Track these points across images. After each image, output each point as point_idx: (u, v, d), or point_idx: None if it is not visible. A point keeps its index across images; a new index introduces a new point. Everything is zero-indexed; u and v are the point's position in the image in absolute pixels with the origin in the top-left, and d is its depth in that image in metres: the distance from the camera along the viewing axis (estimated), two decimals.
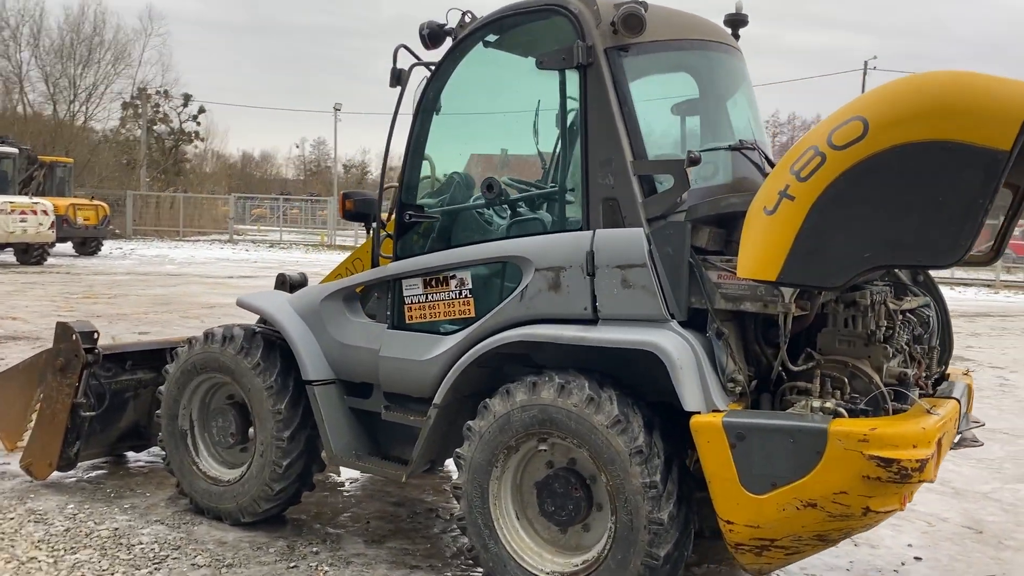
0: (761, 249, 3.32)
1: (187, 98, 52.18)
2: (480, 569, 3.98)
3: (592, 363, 3.76)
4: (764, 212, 3.32)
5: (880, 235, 3.11)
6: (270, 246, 34.63)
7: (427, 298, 4.21)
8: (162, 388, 5.05)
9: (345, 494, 5.50)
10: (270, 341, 4.75)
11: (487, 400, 3.85)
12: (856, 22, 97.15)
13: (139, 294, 16.04)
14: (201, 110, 53.07)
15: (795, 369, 3.53)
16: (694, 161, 3.47)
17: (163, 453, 5.04)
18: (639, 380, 3.71)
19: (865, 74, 39.45)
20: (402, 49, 4.26)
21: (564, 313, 3.75)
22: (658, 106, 4.00)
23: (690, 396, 3.39)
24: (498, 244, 4.02)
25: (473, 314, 4.07)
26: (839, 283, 3.22)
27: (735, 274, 3.51)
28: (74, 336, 5.16)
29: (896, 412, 3.43)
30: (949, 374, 4.17)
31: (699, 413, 3.38)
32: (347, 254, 5.57)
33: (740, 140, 4.05)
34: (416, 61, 4.26)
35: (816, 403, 3.35)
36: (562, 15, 3.78)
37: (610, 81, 3.69)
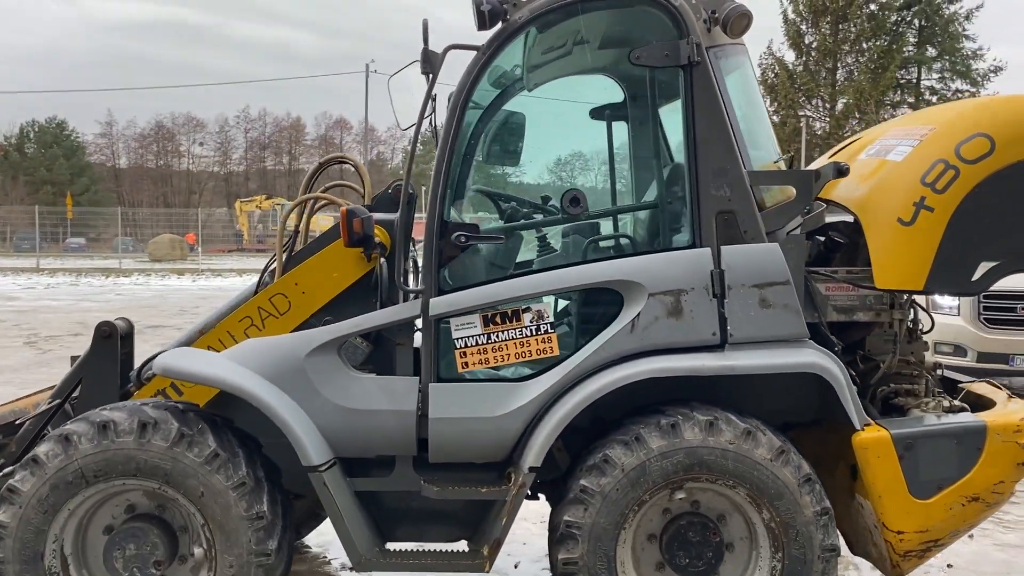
0: (904, 259, 3.39)
1: None
2: None
3: (677, 391, 3.44)
4: (900, 223, 3.39)
5: (1010, 243, 3.40)
6: None
7: (489, 339, 3.38)
8: (1, 519, 3.24)
9: None
10: (211, 420, 3.37)
11: (607, 452, 3.27)
12: (301, 19, 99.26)
13: None
14: None
15: (890, 373, 3.66)
16: (843, 172, 3.38)
17: None
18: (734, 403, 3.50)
19: (367, 76, 41.29)
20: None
21: (687, 341, 3.35)
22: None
23: (855, 414, 3.32)
24: (595, 267, 3.41)
25: (556, 352, 3.40)
26: (979, 290, 3.45)
27: (849, 285, 3.55)
28: None
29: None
30: None
31: (860, 430, 3.33)
32: None
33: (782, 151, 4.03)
34: (452, 44, 3.35)
35: (946, 403, 3.53)
36: (660, 5, 3.34)
37: (716, 82, 3.39)
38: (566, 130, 4.26)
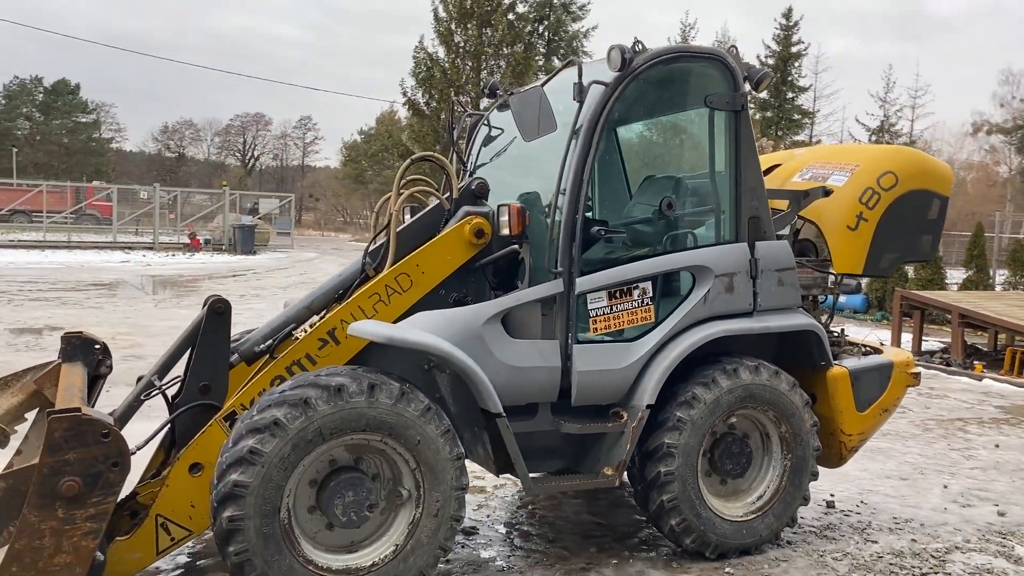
0: (852, 253, 5.06)
1: None
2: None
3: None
4: (848, 228, 5.05)
5: (903, 244, 5.22)
6: None
7: (611, 309, 4.37)
8: (240, 478, 3.52)
9: None
10: (409, 380, 3.94)
11: (694, 391, 4.46)
12: None
13: None
14: None
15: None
16: (827, 194, 4.89)
17: None
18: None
19: None
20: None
21: (734, 310, 4.66)
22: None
23: (830, 356, 4.89)
24: (682, 255, 4.54)
25: (653, 319, 4.49)
26: (887, 274, 5.21)
27: (810, 270, 5.13)
28: (106, 435, 3.07)
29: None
30: None
31: (830, 367, 4.92)
32: None
33: None
34: (594, 80, 4.24)
35: (864, 349, 5.26)
36: (721, 64, 4.57)
37: (751, 124, 4.72)
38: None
